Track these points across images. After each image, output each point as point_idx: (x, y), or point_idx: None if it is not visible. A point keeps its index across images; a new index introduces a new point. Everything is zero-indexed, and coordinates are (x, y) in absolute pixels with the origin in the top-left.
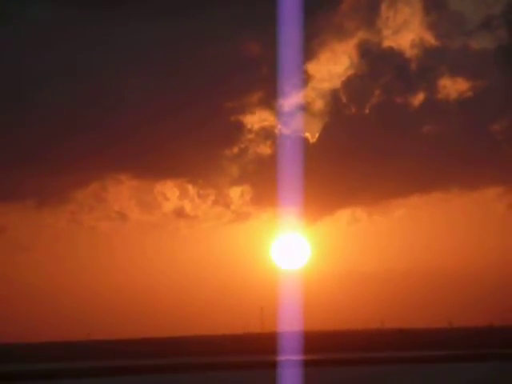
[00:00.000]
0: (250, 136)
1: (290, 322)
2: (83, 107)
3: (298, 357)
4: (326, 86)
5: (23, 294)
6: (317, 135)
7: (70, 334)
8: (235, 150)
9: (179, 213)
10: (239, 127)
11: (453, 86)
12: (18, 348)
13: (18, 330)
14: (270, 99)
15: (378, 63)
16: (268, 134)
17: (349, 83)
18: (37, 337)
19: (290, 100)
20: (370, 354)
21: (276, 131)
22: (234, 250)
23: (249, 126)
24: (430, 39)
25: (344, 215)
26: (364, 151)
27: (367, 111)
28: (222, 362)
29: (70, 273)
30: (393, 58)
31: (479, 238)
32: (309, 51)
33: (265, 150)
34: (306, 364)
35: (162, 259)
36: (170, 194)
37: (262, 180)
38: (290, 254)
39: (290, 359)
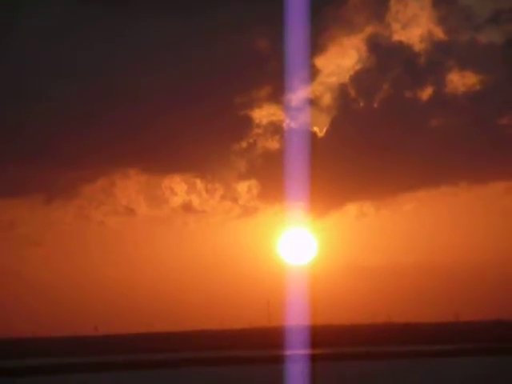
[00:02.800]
0: (258, 131)
1: (296, 316)
2: (91, 102)
3: (304, 351)
4: (334, 80)
5: (31, 289)
6: (325, 129)
7: (77, 329)
8: (243, 144)
9: (187, 207)
10: (247, 122)
11: (461, 81)
12: (26, 342)
13: (26, 324)
14: (277, 94)
15: (386, 57)
16: (276, 129)
17: (357, 77)
18: (44, 331)
19: (298, 94)
20: (377, 348)
21: (284, 126)
22: (242, 245)
23: (257, 121)
24: (438, 33)
25: (351, 210)
26: (372, 145)
27: (375, 105)
28: (229, 356)
29: (78, 267)
30: (401, 52)
31: (487, 233)
32: (317, 45)
33: (273, 144)
34: (313, 358)
35: (169, 254)
36: (178, 188)
37: (270, 175)
38: (297, 248)
39: (296, 353)
